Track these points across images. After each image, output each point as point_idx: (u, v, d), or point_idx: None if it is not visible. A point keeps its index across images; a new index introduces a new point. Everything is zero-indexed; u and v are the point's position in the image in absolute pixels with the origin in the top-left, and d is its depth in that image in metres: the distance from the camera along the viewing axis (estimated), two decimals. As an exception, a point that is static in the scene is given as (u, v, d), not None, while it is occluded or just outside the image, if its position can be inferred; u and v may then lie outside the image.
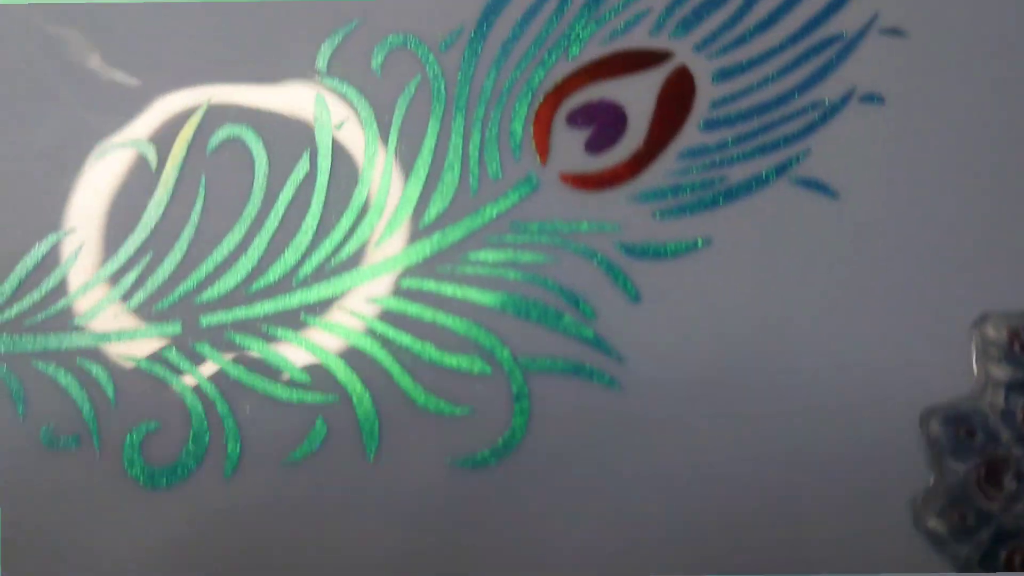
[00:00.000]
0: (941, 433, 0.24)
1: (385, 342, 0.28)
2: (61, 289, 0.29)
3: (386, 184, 0.29)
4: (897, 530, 0.25)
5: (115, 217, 0.30)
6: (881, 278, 0.26)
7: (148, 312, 0.29)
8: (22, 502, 0.28)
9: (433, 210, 0.28)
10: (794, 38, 0.28)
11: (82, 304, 0.29)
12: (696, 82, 0.28)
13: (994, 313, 0.25)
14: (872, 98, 0.28)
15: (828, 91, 0.28)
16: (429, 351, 0.27)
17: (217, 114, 0.30)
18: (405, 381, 0.27)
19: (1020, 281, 0.26)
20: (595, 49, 0.29)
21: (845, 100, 0.28)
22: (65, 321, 0.29)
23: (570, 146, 0.28)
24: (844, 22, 0.28)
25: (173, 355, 0.29)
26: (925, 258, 0.26)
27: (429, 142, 0.29)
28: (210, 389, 0.28)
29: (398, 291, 0.28)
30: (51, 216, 0.30)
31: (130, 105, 0.30)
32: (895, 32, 0.28)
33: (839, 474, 0.25)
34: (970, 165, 0.27)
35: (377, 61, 0.30)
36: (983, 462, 0.24)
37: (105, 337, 0.29)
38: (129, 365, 0.29)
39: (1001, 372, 0.24)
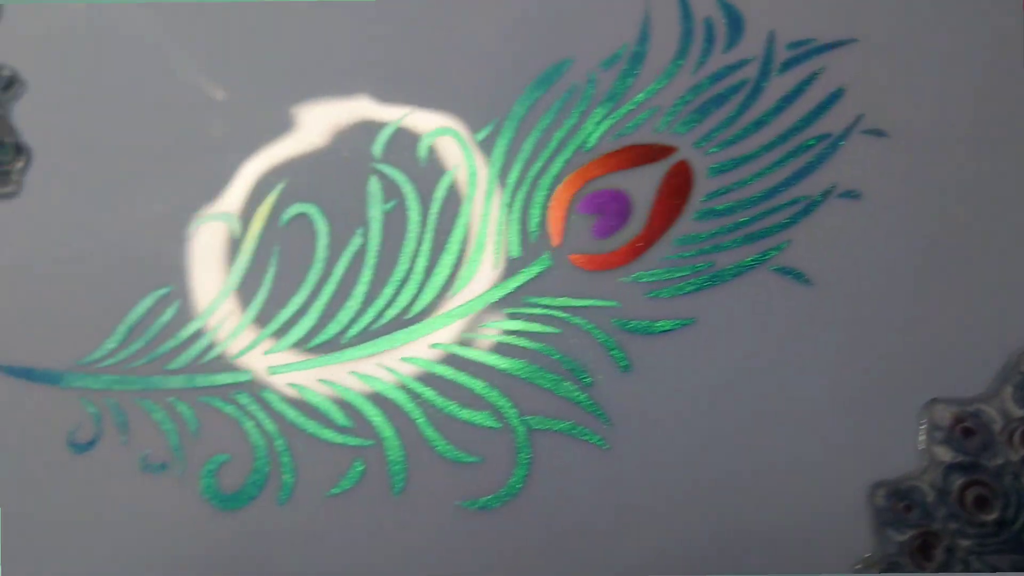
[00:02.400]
0: (885, 505, 0.27)
1: (414, 396, 0.32)
2: (159, 339, 0.35)
3: (424, 258, 0.34)
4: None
5: (203, 279, 0.36)
6: (847, 360, 0.29)
7: (225, 362, 0.35)
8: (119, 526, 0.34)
9: (460, 283, 0.33)
10: (784, 137, 0.31)
11: (175, 352, 0.35)
12: (694, 175, 0.32)
13: (942, 399, 0.28)
14: (850, 194, 0.31)
15: (811, 187, 0.31)
16: (450, 406, 0.32)
17: (290, 193, 0.35)
18: (429, 431, 0.32)
19: (968, 371, 0.28)
20: (607, 144, 0.33)
21: (825, 195, 0.31)
22: (159, 366, 0.35)
23: (580, 230, 0.33)
24: (830, 123, 0.31)
25: (244, 398, 0.34)
26: (887, 344, 0.29)
27: (462, 222, 0.34)
28: (272, 429, 0.34)
29: (428, 353, 0.33)
30: (154, 276, 0.36)
31: (222, 184, 0.36)
32: (877, 132, 0.31)
33: (795, 538, 0.29)
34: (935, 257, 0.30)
35: (423, 150, 0.34)
36: (919, 534, 0.27)
37: (191, 380, 0.35)
38: (210, 405, 0.34)
39: (943, 454, 0.27)
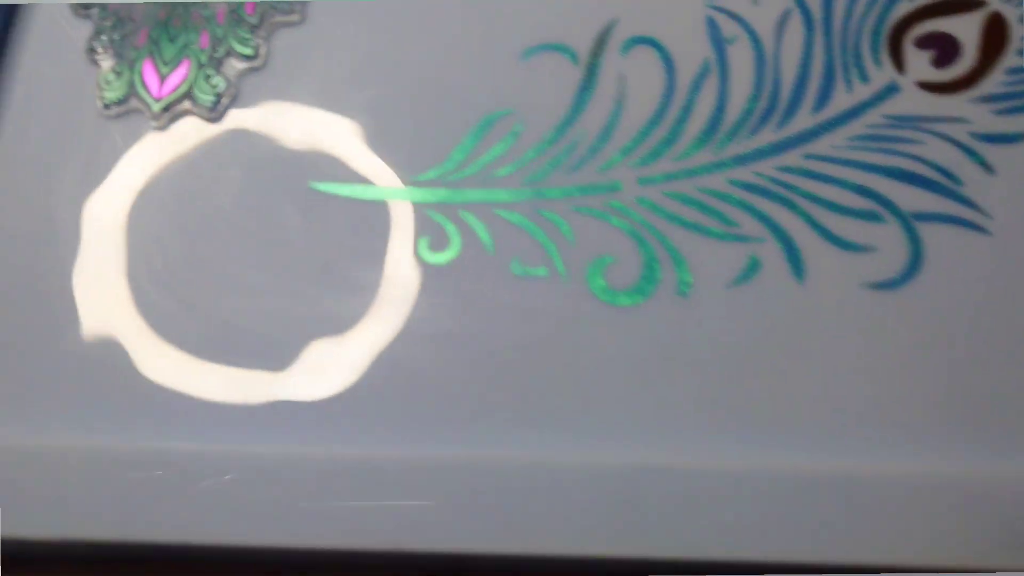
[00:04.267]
0: None
1: (798, 197, 0.35)
2: (507, 157, 0.36)
3: (775, 85, 0.36)
4: None
5: (545, 101, 0.36)
6: None
7: (590, 174, 0.35)
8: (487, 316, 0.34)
9: (819, 104, 0.36)
10: (1079, -6, 0.38)
11: (533, 166, 0.36)
12: (1009, 23, 0.37)
13: None
14: None
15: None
16: (835, 206, 0.35)
17: (627, 27, 0.37)
18: (818, 227, 0.34)
19: None
20: (927, -3, 0.38)
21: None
22: (520, 179, 0.35)
23: (919, 63, 0.37)
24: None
25: (617, 205, 0.35)
26: None
27: (806, 54, 0.37)
28: (656, 231, 0.35)
29: (802, 162, 0.35)
30: (487, 100, 0.36)
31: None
32: None
33: None
34: None
35: (755, -5, 0.38)
36: None
37: (559, 192, 0.35)
38: (581, 213, 0.35)
39: None
